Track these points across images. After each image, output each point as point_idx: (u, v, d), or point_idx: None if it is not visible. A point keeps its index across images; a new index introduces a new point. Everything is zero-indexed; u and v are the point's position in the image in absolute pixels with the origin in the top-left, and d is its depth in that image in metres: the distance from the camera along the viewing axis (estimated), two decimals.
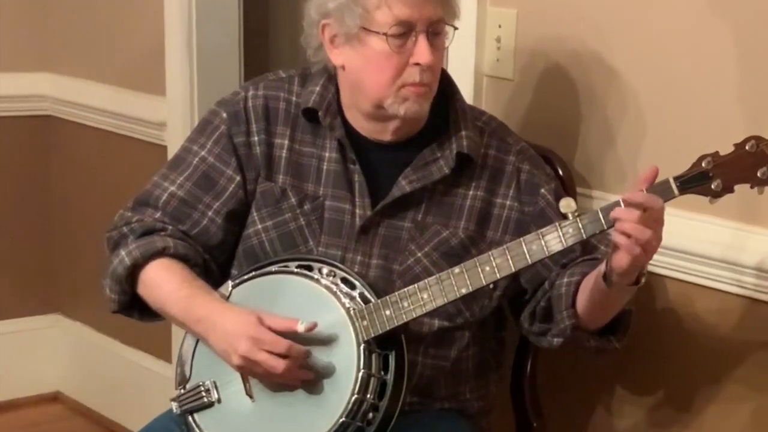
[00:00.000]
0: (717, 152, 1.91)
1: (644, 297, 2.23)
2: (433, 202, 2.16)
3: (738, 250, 2.18)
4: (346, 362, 2.01)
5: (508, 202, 2.18)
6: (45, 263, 3.97)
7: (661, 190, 1.90)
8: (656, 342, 2.33)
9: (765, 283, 2.16)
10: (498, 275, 1.99)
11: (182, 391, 2.17)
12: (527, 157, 2.22)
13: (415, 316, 2.02)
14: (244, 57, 3.42)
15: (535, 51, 2.49)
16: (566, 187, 2.32)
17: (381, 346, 2.03)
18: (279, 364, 2.00)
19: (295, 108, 2.20)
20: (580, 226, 1.94)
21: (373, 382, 2.01)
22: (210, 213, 2.20)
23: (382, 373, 2.02)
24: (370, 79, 2.09)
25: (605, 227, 1.94)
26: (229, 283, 2.16)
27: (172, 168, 2.25)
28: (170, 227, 2.20)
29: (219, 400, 2.13)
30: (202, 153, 2.22)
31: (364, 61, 2.08)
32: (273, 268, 2.13)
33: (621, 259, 1.91)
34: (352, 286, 2.07)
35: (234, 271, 2.23)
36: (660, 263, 2.24)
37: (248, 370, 2.06)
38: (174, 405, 2.18)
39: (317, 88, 2.18)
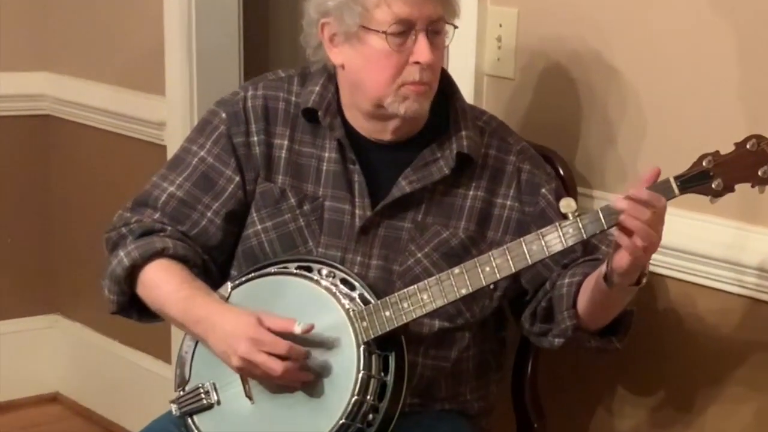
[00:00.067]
0: (717, 151, 1.90)
1: (645, 297, 2.22)
2: (433, 203, 2.16)
3: (739, 250, 2.17)
4: (345, 363, 2.01)
5: (508, 203, 2.18)
6: (44, 263, 3.96)
7: (662, 190, 1.90)
8: (657, 342, 2.33)
9: (766, 283, 2.15)
10: (498, 276, 1.98)
11: (181, 392, 2.17)
12: (528, 157, 2.21)
13: (415, 317, 2.01)
14: (243, 57, 3.42)
15: (536, 50, 2.49)
16: (567, 186, 2.32)
17: (381, 347, 2.02)
18: (278, 366, 1.99)
19: (295, 108, 2.20)
20: (581, 226, 1.94)
21: (373, 383, 2.01)
22: (209, 213, 2.20)
23: (382, 374, 2.02)
24: (370, 78, 2.08)
25: (606, 227, 1.93)
26: (229, 284, 2.15)
27: (171, 168, 2.24)
28: (169, 228, 2.19)
29: (218, 402, 2.12)
30: (201, 153, 2.21)
31: (363, 60, 2.08)
32: (272, 269, 2.13)
33: (622, 259, 1.90)
34: (352, 287, 2.06)
35: (233, 272, 2.23)
36: (661, 263, 2.23)
37: (247, 372, 2.05)
38: (173, 407, 2.17)
39: (317, 88, 2.17)
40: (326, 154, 2.18)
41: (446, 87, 2.19)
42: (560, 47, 2.44)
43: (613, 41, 2.35)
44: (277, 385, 2.05)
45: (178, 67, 3.35)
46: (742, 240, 2.17)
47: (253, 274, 2.14)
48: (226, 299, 2.13)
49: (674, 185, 1.90)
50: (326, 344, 2.03)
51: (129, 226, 2.20)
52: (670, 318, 2.31)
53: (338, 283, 2.06)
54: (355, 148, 2.15)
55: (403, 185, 2.13)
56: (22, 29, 3.81)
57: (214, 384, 2.13)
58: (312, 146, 2.19)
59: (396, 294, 2.02)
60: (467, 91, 2.48)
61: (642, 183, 1.90)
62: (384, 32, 2.04)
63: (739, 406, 2.24)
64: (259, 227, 2.20)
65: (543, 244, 1.95)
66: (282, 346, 1.99)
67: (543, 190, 2.18)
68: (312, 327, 2.00)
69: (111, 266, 2.17)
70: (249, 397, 2.09)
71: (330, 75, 2.18)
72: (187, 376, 2.17)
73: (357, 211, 2.15)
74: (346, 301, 2.03)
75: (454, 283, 1.99)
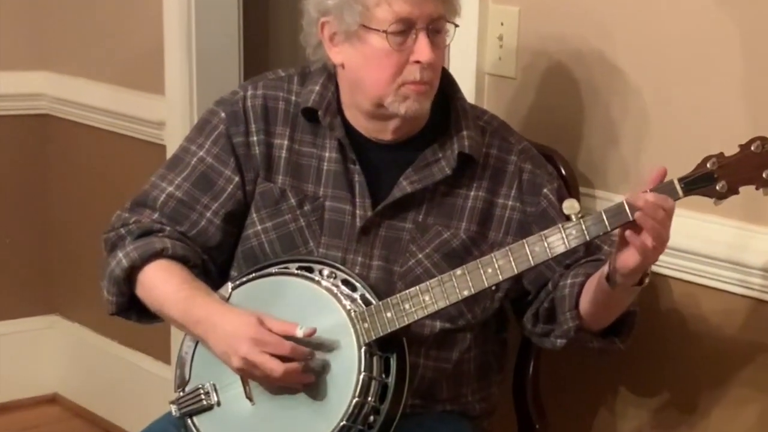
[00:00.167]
0: (722, 153, 1.90)
1: (648, 298, 2.22)
2: (434, 203, 2.15)
3: (743, 250, 2.17)
4: (346, 365, 2.00)
5: (510, 203, 2.17)
6: (43, 263, 3.96)
7: (666, 192, 1.89)
8: (660, 343, 2.32)
9: None
10: (500, 277, 1.97)
11: (181, 393, 2.16)
12: (529, 157, 2.21)
13: (416, 318, 2.00)
14: (243, 56, 3.42)
15: (538, 49, 2.48)
16: (569, 186, 2.32)
17: (382, 348, 2.02)
18: (279, 367, 1.98)
19: (295, 107, 2.19)
20: (584, 227, 1.93)
21: (374, 385, 2.00)
22: (208, 214, 2.19)
23: (384, 375, 2.01)
24: (370, 78, 2.07)
25: (609, 229, 1.92)
26: (229, 284, 2.15)
27: (170, 168, 2.23)
28: (168, 228, 2.18)
29: (218, 403, 2.12)
30: (201, 153, 2.21)
31: (363, 59, 2.07)
32: (273, 269, 2.12)
33: (629, 258, 1.90)
34: (353, 288, 2.05)
35: (233, 273, 2.22)
36: (664, 263, 2.23)
37: (248, 373, 2.04)
38: (173, 408, 2.17)
39: (317, 87, 2.16)
40: (327, 154, 2.17)
41: (447, 86, 2.18)
42: (562, 46, 2.43)
43: (615, 40, 2.35)
44: (278, 387, 2.05)
45: (178, 67, 3.34)
46: (746, 240, 2.16)
47: (253, 275, 2.13)
48: (227, 299, 2.12)
49: (678, 187, 1.90)
50: (327, 345, 2.02)
51: (128, 226, 2.19)
52: (674, 319, 2.31)
53: (339, 283, 2.06)
54: (355, 148, 2.14)
55: (404, 185, 2.12)
56: (21, 28, 3.81)
57: (214, 385, 2.12)
58: (312, 146, 2.18)
59: (398, 295, 2.01)
60: (468, 91, 2.48)
61: (648, 183, 1.90)
62: (384, 31, 2.03)
63: (742, 407, 2.23)
64: (258, 228, 2.19)
65: (546, 245, 1.94)
66: (285, 346, 1.99)
67: (545, 190, 2.18)
68: (314, 331, 1.99)
69: (110, 267, 2.16)
70: (249, 398, 2.08)
71: (330, 74, 2.17)
72: (186, 377, 2.16)
73: (358, 212, 2.14)
74: (347, 302, 2.02)
75: (456, 284, 1.98)
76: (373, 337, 2.00)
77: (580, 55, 2.40)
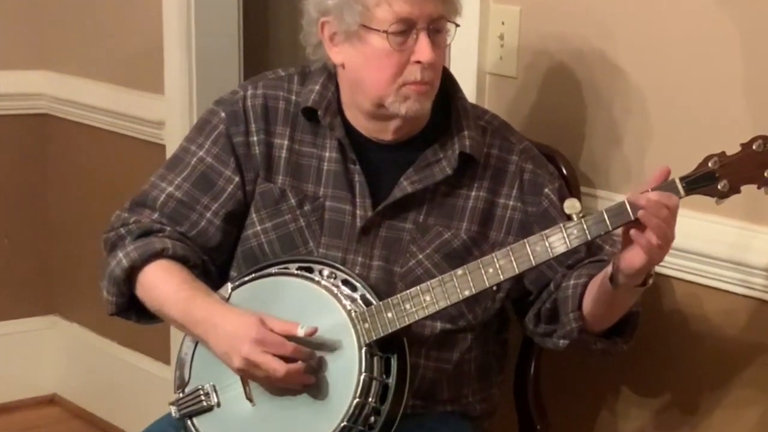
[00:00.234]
0: (723, 152, 1.90)
1: (651, 298, 2.21)
2: (435, 203, 2.14)
3: (745, 250, 2.16)
4: (347, 365, 2.00)
5: (511, 203, 2.16)
6: (42, 263, 3.95)
7: (667, 191, 1.89)
8: (662, 343, 2.32)
9: None
10: (501, 277, 1.97)
11: (181, 394, 2.16)
12: (530, 157, 2.20)
13: (417, 318, 2.00)
14: (243, 56, 3.42)
15: (539, 48, 2.48)
16: (570, 186, 2.32)
17: (383, 349, 2.01)
18: (280, 367, 1.98)
19: (295, 107, 2.18)
20: (585, 227, 1.92)
21: (374, 385, 1.99)
22: (208, 214, 2.18)
23: (384, 376, 2.01)
24: (371, 78, 2.07)
25: (610, 228, 1.92)
26: (229, 284, 2.14)
27: (169, 168, 2.23)
28: (168, 228, 2.18)
29: (218, 404, 2.11)
30: (200, 153, 2.20)
31: (364, 59, 2.06)
32: (273, 269, 2.11)
33: (634, 258, 1.89)
34: (353, 288, 2.05)
35: (233, 273, 2.21)
36: (666, 264, 2.21)
37: (249, 373, 2.04)
38: (173, 409, 2.16)
39: (317, 87, 2.16)
40: (327, 154, 2.16)
41: (448, 86, 2.18)
42: (563, 45, 2.43)
43: (617, 39, 2.34)
44: (278, 387, 2.04)
45: (178, 66, 3.34)
46: (748, 240, 2.16)
47: (253, 275, 2.13)
48: (227, 300, 2.12)
49: (680, 186, 1.89)
50: (328, 346, 2.02)
51: (127, 226, 2.19)
52: (676, 319, 2.30)
53: (339, 284, 2.05)
54: (355, 148, 2.14)
55: (405, 185, 2.12)
56: (20, 27, 3.81)
57: (214, 386, 2.12)
58: (312, 146, 2.17)
59: (398, 295, 2.00)
60: (469, 90, 2.48)
61: (650, 182, 1.90)
62: (385, 31, 2.02)
63: (745, 407, 2.23)
64: (258, 228, 2.18)
65: (547, 245, 1.94)
66: (287, 347, 1.98)
67: (546, 190, 2.17)
68: (315, 330, 1.99)
69: (109, 267, 2.16)
70: (249, 399, 2.08)
71: (330, 74, 2.17)
72: (186, 378, 2.15)
73: (358, 212, 2.14)
74: (347, 303, 2.02)
75: (457, 284, 1.97)
76: (374, 338, 1.99)
77: (581, 55, 2.40)
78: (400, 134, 2.14)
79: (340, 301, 2.02)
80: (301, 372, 2.00)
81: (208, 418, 2.12)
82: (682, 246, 2.18)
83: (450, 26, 2.08)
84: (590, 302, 2.03)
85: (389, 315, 1.99)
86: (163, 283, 2.13)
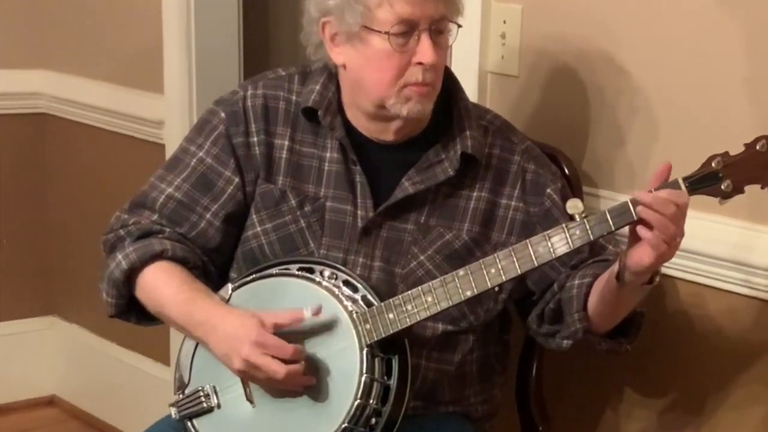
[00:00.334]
0: (727, 152, 1.89)
1: (654, 298, 2.21)
2: (437, 204, 2.14)
3: (749, 250, 2.16)
4: (348, 366, 1.99)
5: (513, 203, 2.15)
6: (41, 264, 3.95)
7: None
8: (666, 343, 2.32)
9: None
10: (504, 278, 1.96)
11: (181, 396, 2.15)
12: (532, 157, 2.19)
13: (419, 319, 1.99)
14: (243, 56, 3.41)
15: (541, 48, 2.48)
16: (572, 186, 2.32)
17: (384, 350, 2.00)
18: (280, 369, 1.97)
19: (295, 107, 2.18)
20: (588, 227, 1.92)
21: (376, 386, 1.99)
22: (208, 215, 2.18)
23: (385, 377, 2.00)
24: (372, 79, 2.06)
25: (613, 228, 1.91)
26: (229, 285, 2.13)
27: (169, 169, 2.22)
28: (167, 229, 2.17)
29: (219, 406, 2.11)
30: (200, 154, 2.19)
31: (365, 60, 2.05)
32: (274, 270, 2.11)
33: (643, 254, 1.88)
34: (355, 289, 2.04)
35: (233, 274, 2.21)
36: (669, 264, 2.19)
37: (249, 375, 2.03)
38: (173, 410, 2.16)
39: (317, 87, 2.15)
40: (327, 154, 2.15)
41: (449, 86, 2.17)
42: (565, 44, 2.43)
43: (619, 38, 2.34)
44: (279, 389, 2.03)
45: (177, 66, 3.34)
46: (752, 241, 2.16)
47: (254, 276, 2.12)
48: (227, 301, 2.11)
49: (683, 186, 1.89)
50: (328, 347, 2.01)
51: (127, 228, 2.18)
52: (679, 319, 2.30)
53: (341, 284, 2.05)
54: (356, 149, 2.13)
55: (406, 186, 2.11)
56: (19, 26, 3.80)
57: (214, 387, 2.11)
58: (313, 146, 2.17)
59: (400, 296, 2.00)
60: (471, 90, 2.47)
61: (652, 181, 1.89)
62: (386, 33, 2.01)
63: (749, 407, 2.22)
64: (258, 229, 2.17)
65: (549, 245, 1.93)
66: (287, 349, 1.97)
67: (548, 190, 2.16)
68: (320, 307, 1.98)
69: (109, 269, 2.15)
70: (250, 400, 2.07)
71: (331, 74, 2.16)
72: (186, 379, 2.15)
73: (359, 212, 2.13)
74: (348, 303, 2.01)
75: (458, 285, 1.97)
76: (375, 339, 1.99)
77: (583, 54, 2.39)
78: (401, 135, 2.13)
79: (341, 302, 2.01)
80: (301, 373, 1.99)
81: (208, 419, 2.11)
82: (686, 246, 2.16)
83: (452, 27, 2.07)
84: (595, 302, 2.02)
85: (390, 316, 1.98)
86: (162, 285, 2.12)
